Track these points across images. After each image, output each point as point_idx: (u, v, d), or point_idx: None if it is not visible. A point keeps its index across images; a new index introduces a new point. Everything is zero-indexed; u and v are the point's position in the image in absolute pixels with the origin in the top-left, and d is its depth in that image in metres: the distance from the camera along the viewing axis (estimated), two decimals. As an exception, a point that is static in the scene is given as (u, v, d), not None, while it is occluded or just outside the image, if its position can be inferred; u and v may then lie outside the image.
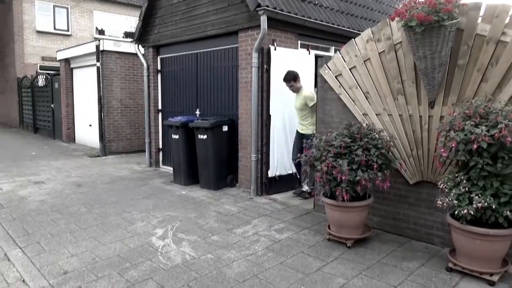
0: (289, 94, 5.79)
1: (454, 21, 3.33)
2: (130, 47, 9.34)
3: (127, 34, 17.85)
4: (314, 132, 5.22)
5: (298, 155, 4.17)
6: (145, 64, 8.05)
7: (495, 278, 3.08)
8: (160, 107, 8.11)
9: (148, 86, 8.10)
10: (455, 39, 3.50)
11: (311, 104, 5.41)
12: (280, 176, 5.95)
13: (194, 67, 7.11)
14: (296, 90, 5.59)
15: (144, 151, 8.51)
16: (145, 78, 8.10)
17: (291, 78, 5.50)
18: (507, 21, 3.30)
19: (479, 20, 3.45)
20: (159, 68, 8.05)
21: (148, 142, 8.22)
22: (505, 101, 3.26)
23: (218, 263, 3.52)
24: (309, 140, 4.97)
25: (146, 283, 3.16)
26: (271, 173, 5.84)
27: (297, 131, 5.76)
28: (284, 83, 5.53)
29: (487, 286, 3.07)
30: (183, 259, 3.61)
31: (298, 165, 5.66)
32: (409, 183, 4.04)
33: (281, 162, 5.93)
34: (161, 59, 8.00)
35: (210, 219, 4.76)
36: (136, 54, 8.34)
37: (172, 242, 4.01)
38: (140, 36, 8.01)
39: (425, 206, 3.95)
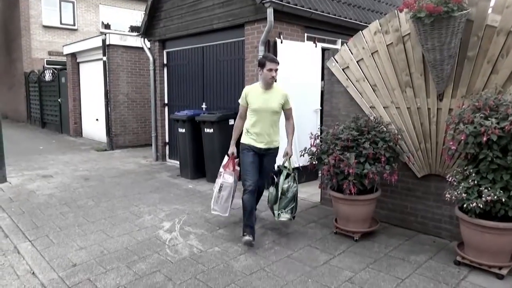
0: (296, 87, 5.73)
1: (464, 12, 3.28)
2: (136, 41, 9.35)
3: (133, 28, 17.85)
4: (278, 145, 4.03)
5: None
6: (151, 58, 8.04)
7: (504, 271, 3.06)
8: (166, 101, 8.11)
9: (154, 80, 8.10)
10: (465, 30, 3.45)
11: (290, 105, 3.96)
12: (287, 170, 5.92)
13: (200, 61, 7.09)
14: (272, 83, 3.85)
15: (151, 145, 8.54)
16: (151, 72, 8.10)
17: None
18: (518, 11, 3.24)
19: (490, 10, 3.39)
20: (165, 62, 8.04)
21: (155, 136, 8.25)
22: (515, 93, 3.21)
23: (225, 256, 3.53)
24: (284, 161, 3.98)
25: (154, 275, 3.18)
26: (277, 167, 5.80)
27: (254, 148, 3.87)
28: (272, 67, 3.73)
29: (495, 279, 3.05)
30: (191, 252, 3.62)
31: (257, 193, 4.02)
32: (417, 176, 4.01)
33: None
34: (167, 53, 7.99)
35: (217, 212, 4.77)
36: (142, 48, 8.34)
37: (179, 235, 4.03)
38: (146, 30, 8.00)
39: (433, 199, 3.92)
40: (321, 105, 5.87)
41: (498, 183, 2.99)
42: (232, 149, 4.09)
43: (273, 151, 4.00)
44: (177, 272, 3.24)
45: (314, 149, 4.00)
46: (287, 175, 4.01)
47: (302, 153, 4.08)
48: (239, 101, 4.00)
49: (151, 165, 7.87)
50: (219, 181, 4.12)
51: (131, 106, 10.17)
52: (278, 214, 3.97)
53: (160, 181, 6.41)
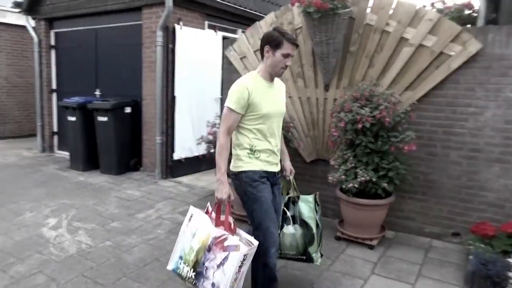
0: (196, 75, 5.68)
1: (347, 10, 3.58)
2: (19, 18, 8.24)
3: (17, 4, 15.71)
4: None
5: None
6: (35, 39, 7.20)
7: (374, 242, 3.47)
8: (54, 87, 7.37)
9: (40, 63, 7.27)
10: (348, 27, 3.76)
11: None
12: (186, 159, 5.85)
13: (93, 44, 6.56)
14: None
15: (36, 135, 7.68)
16: (36, 54, 7.26)
17: None
18: (390, 12, 3.63)
19: (368, 10, 3.74)
20: (52, 43, 7.27)
21: (41, 125, 7.43)
22: (386, 85, 3.63)
23: (118, 250, 3.37)
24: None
25: (34, 277, 2.89)
26: (176, 156, 5.72)
27: (268, 175, 2.41)
28: (289, 52, 2.28)
29: (368, 250, 3.45)
30: (79, 249, 3.37)
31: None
32: (306, 161, 4.30)
33: (186, 144, 5.81)
34: (56, 33, 7.24)
35: (110, 205, 4.51)
36: (25, 27, 7.40)
37: (67, 232, 3.72)
38: (30, 6, 7.12)
39: (320, 182, 4.23)
40: (222, 93, 5.90)
41: (370, 165, 3.37)
42: (226, 189, 2.26)
43: (279, 173, 2.58)
44: (61, 271, 2.99)
45: (211, 137, 4.01)
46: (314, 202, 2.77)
47: (200, 141, 4.06)
48: (231, 105, 2.29)
49: (36, 157, 7.09)
50: (231, 256, 2.12)
51: (12, 91, 8.99)
52: (316, 255, 2.73)
53: (46, 175, 5.81)
